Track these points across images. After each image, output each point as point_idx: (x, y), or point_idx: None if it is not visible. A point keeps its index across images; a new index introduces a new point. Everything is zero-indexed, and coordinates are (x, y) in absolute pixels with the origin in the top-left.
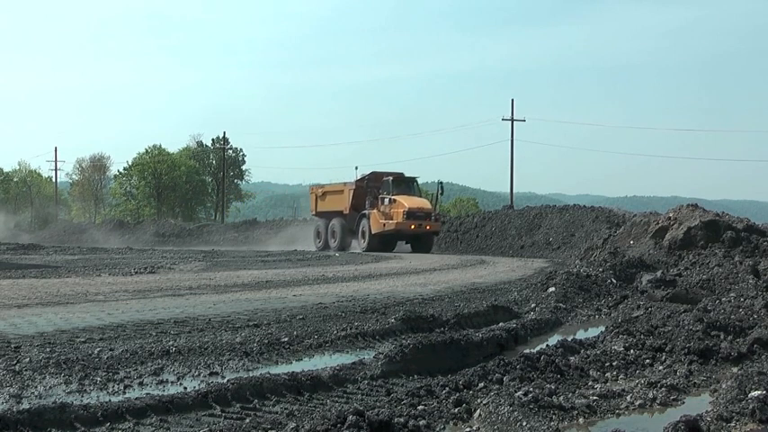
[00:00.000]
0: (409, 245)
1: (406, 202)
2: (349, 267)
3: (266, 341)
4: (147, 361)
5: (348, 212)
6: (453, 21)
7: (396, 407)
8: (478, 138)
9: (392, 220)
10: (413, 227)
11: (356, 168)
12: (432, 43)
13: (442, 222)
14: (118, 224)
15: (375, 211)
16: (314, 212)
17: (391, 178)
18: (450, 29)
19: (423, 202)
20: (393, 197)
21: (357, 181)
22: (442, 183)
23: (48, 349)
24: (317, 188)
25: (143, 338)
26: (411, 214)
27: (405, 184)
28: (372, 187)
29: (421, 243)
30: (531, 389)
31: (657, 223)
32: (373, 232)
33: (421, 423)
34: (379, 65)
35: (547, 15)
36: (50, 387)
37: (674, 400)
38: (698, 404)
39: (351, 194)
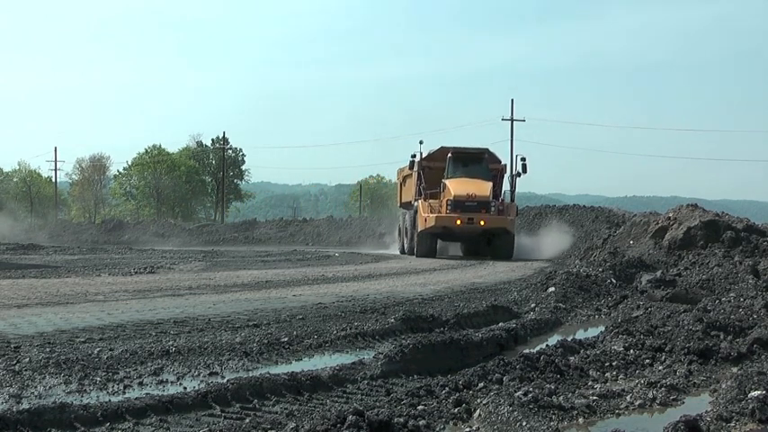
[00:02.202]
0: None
1: (454, 186)
2: (349, 267)
3: (266, 341)
4: (146, 361)
5: (414, 202)
6: (453, 21)
7: (395, 407)
8: (479, 138)
9: (436, 212)
10: (459, 222)
11: (420, 143)
12: (431, 43)
13: (508, 215)
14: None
15: (421, 201)
16: (399, 204)
17: (450, 154)
18: (450, 29)
19: (477, 187)
20: (446, 181)
21: (419, 161)
22: (524, 159)
23: (47, 349)
24: (401, 172)
25: (143, 338)
26: (457, 204)
27: (472, 161)
28: (433, 168)
29: (496, 246)
30: (530, 389)
31: (657, 223)
32: (419, 230)
33: (421, 423)
34: (379, 65)
35: (547, 15)
36: (50, 387)
37: (673, 400)
38: (698, 404)
39: (415, 179)
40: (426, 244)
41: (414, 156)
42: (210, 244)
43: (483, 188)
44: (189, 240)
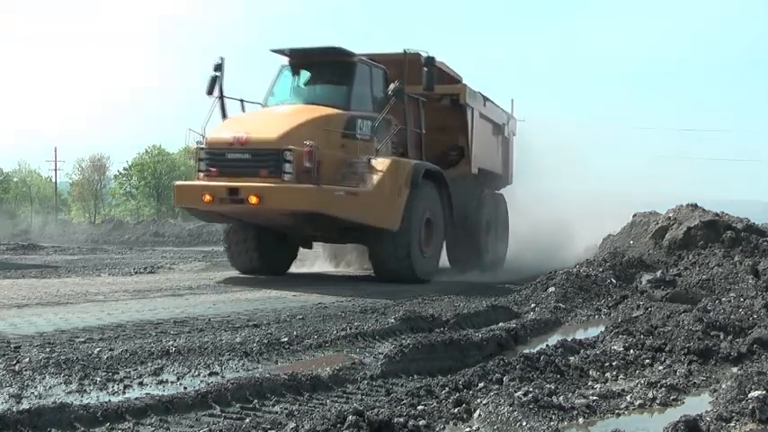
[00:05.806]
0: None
1: (220, 126)
2: (349, 267)
3: (266, 341)
4: (146, 361)
5: None
6: (453, 20)
7: (395, 407)
8: None
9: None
10: (208, 198)
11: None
12: (431, 43)
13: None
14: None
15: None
16: None
17: (286, 62)
18: (450, 28)
19: (262, 124)
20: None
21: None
22: (430, 63)
23: (47, 349)
24: None
25: (143, 338)
26: (212, 160)
27: (327, 72)
28: None
29: (371, 252)
30: (530, 389)
31: (657, 223)
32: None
33: (421, 423)
34: None
35: (546, 15)
36: (50, 387)
37: (673, 400)
38: (698, 404)
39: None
40: (232, 248)
41: (218, 65)
42: (210, 244)
43: (277, 123)
44: (189, 240)
